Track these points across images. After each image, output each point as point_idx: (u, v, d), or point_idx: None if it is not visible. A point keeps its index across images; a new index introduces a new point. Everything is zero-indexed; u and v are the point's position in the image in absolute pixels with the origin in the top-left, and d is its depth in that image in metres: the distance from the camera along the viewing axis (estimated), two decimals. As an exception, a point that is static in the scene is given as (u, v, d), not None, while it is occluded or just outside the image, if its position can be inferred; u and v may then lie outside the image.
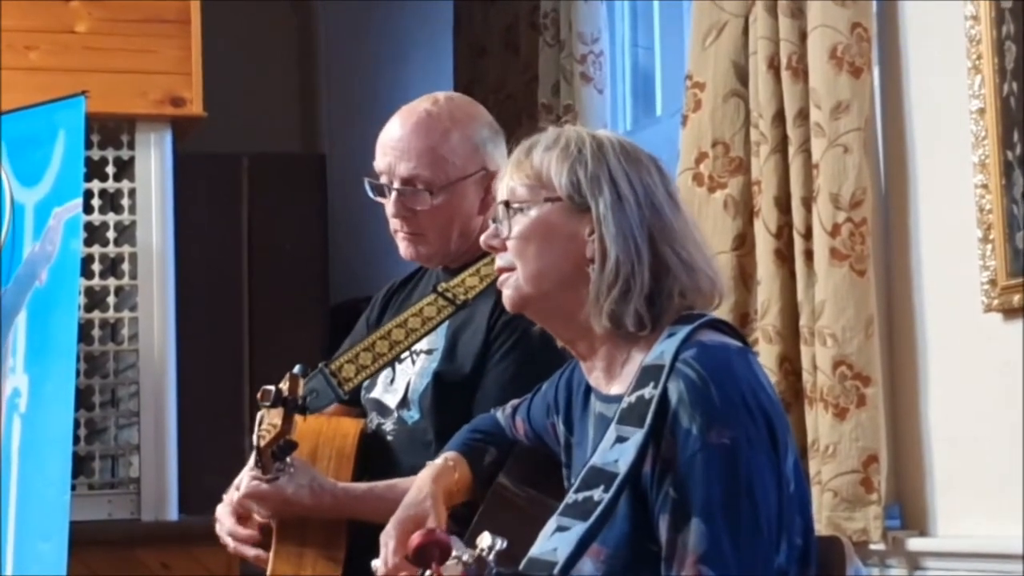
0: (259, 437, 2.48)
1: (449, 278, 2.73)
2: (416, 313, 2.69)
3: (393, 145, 2.70)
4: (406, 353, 2.71)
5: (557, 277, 2.12)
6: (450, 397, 2.65)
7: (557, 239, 2.12)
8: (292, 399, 2.43)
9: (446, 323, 2.69)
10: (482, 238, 2.20)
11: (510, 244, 2.14)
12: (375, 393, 2.75)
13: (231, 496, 2.64)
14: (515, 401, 2.47)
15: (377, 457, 2.67)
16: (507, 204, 2.14)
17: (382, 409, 2.71)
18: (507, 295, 2.16)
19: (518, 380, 2.58)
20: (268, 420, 2.45)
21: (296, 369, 2.48)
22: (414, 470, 2.54)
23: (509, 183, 2.16)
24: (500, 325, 2.65)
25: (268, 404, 2.43)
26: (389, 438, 2.71)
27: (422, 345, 2.70)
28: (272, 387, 2.44)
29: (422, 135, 2.69)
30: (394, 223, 2.73)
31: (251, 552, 2.61)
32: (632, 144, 2.17)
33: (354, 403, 2.79)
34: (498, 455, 2.42)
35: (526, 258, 2.13)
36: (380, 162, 2.72)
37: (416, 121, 2.70)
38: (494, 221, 2.18)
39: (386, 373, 2.73)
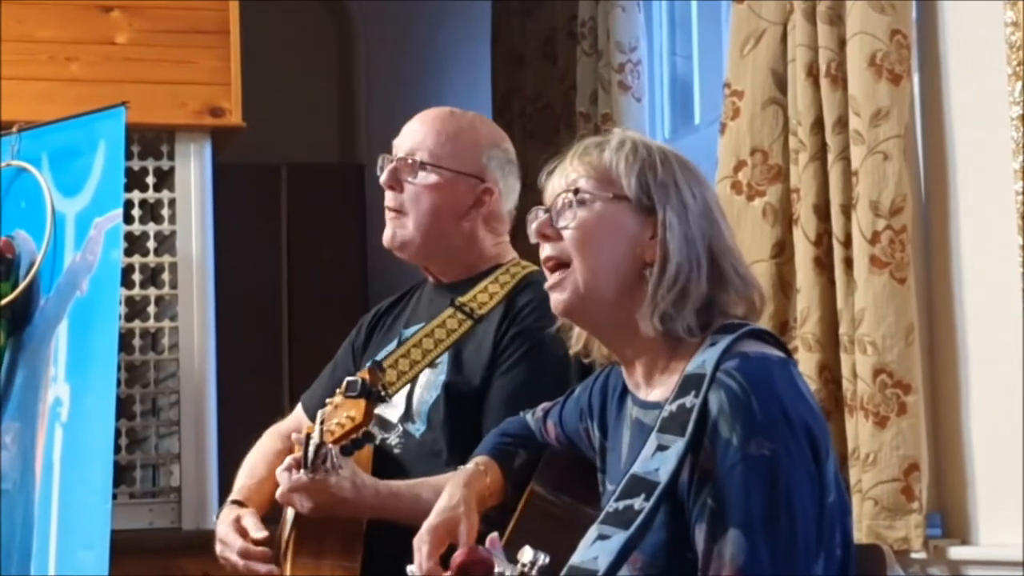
0: (327, 432, 2.49)
1: (443, 293, 2.82)
2: (440, 325, 2.77)
3: (411, 128, 2.84)
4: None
5: (615, 276, 2.12)
6: (460, 408, 2.70)
7: (620, 237, 2.12)
8: (376, 391, 2.46)
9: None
10: (534, 225, 2.18)
11: (569, 234, 2.14)
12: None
13: (233, 514, 2.71)
14: (546, 405, 2.48)
15: (385, 470, 2.69)
16: (575, 192, 2.14)
17: (383, 424, 2.74)
18: (561, 298, 2.15)
19: (524, 390, 2.64)
20: (345, 412, 2.47)
21: (374, 362, 2.52)
22: None
23: (571, 175, 2.16)
24: (508, 338, 2.72)
25: (354, 395, 2.45)
26: (396, 451, 2.75)
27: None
28: (356, 378, 2.47)
29: (438, 122, 2.83)
30: (386, 199, 2.82)
31: (263, 568, 2.63)
32: (688, 159, 2.20)
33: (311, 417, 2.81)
34: (528, 458, 2.43)
35: (586, 251, 2.13)
36: (395, 146, 2.84)
37: (438, 113, 2.86)
38: (546, 211, 2.17)
39: None
